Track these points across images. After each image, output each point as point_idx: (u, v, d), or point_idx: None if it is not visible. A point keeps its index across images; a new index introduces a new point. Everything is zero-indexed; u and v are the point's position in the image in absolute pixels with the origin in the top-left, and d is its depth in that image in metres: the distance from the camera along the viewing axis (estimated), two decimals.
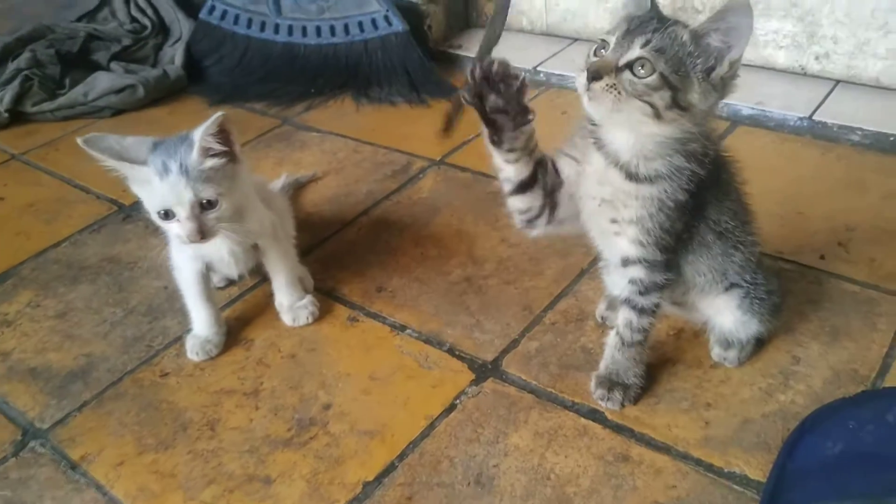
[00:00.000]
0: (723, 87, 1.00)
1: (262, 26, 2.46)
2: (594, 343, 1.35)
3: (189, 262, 1.39)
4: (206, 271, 1.42)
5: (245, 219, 1.33)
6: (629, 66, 0.97)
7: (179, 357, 1.42)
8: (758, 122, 1.94)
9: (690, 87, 0.98)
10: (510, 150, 1.07)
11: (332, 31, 2.37)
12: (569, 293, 1.47)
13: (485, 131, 1.05)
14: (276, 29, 2.45)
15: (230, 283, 1.59)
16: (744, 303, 1.22)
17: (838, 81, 2.00)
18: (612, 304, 1.36)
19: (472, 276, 1.54)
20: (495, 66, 0.98)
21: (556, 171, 1.13)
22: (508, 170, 1.10)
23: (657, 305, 1.18)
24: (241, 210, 1.32)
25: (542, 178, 1.11)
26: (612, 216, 1.11)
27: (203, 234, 1.24)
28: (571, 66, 2.24)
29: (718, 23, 0.96)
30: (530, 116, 1.04)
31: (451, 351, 1.37)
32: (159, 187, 1.22)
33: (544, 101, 2.18)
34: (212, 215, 1.24)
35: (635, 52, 0.97)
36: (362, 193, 1.84)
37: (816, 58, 2.00)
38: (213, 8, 2.51)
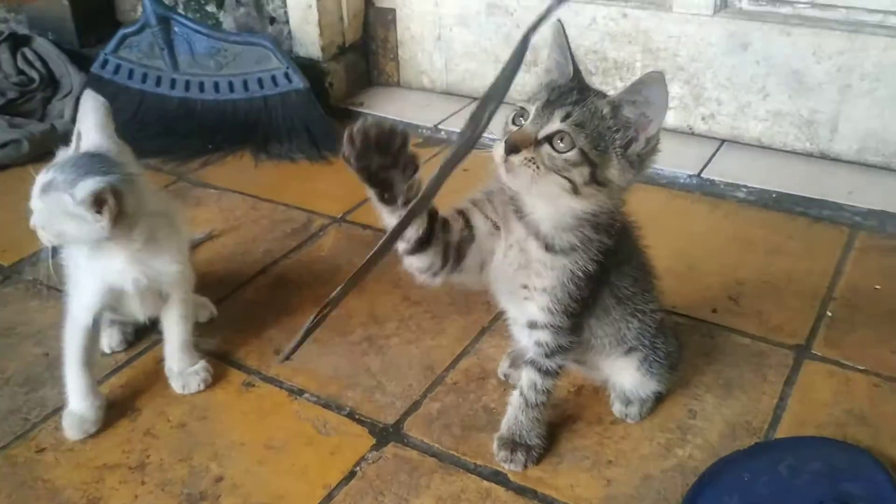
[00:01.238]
0: (640, 163, 1.00)
1: (158, 81, 2.40)
2: (496, 402, 1.34)
3: (91, 297, 1.29)
4: (96, 333, 1.34)
5: (163, 265, 1.28)
6: (549, 139, 0.97)
7: (58, 430, 1.32)
8: (650, 179, 2.00)
9: (609, 164, 0.98)
10: (404, 205, 1.03)
11: (231, 87, 2.33)
12: (470, 352, 1.46)
13: (372, 194, 1.01)
14: (173, 84, 2.39)
15: (127, 345, 1.51)
16: (642, 366, 1.23)
17: (724, 141, 2.09)
18: (515, 362, 1.35)
19: (373, 336, 1.51)
20: (374, 130, 0.95)
21: (468, 223, 1.10)
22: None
23: (561, 367, 1.18)
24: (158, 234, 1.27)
25: (442, 234, 1.07)
26: (525, 282, 1.10)
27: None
28: None
29: (634, 95, 0.97)
30: (418, 163, 1.01)
31: (351, 415, 1.33)
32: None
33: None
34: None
35: (555, 125, 0.97)
36: (260, 252, 1.79)
37: (703, 118, 2.10)
38: (105, 62, 2.43)
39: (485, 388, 1.38)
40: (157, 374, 1.43)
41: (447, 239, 1.08)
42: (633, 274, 1.18)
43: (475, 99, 2.42)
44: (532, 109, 0.99)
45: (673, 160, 2.01)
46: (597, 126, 0.97)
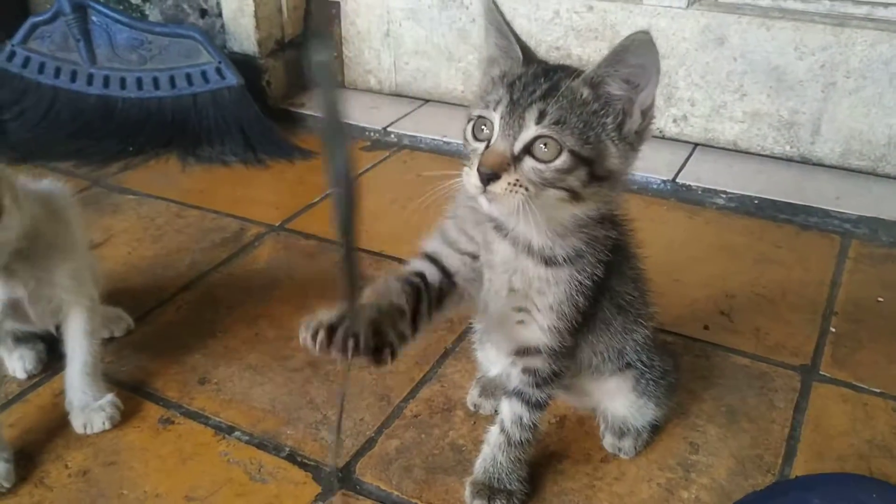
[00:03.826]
0: (639, 140, 0.83)
1: (73, 76, 2.15)
2: (465, 438, 1.13)
3: None
4: None
5: (52, 265, 1.09)
6: (528, 150, 0.79)
7: None
8: None
9: (607, 153, 0.81)
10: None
11: (156, 83, 2.10)
12: (432, 378, 1.25)
13: (368, 361, 0.81)
14: (90, 80, 2.14)
15: (43, 366, 1.29)
16: (639, 385, 1.05)
17: (696, 144, 1.94)
18: (487, 389, 1.15)
19: (317, 362, 1.28)
20: (351, 342, 0.77)
21: (443, 270, 0.91)
22: None
23: (550, 397, 0.99)
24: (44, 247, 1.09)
25: (425, 299, 0.89)
26: (520, 305, 0.91)
27: None
28: (423, 127, 2.08)
29: (618, 66, 0.79)
30: (404, 308, 0.85)
31: (292, 457, 1.11)
32: None
33: (396, 162, 1.99)
34: None
35: (531, 131, 0.79)
36: (184, 265, 1.55)
37: (674, 120, 1.94)
38: (13, 54, 2.17)
39: (451, 420, 1.17)
40: (54, 410, 1.19)
41: (429, 298, 0.90)
42: (633, 276, 1.00)
43: (426, 101, 2.23)
44: (496, 118, 0.81)
45: (643, 164, 1.81)
46: (580, 115, 0.80)
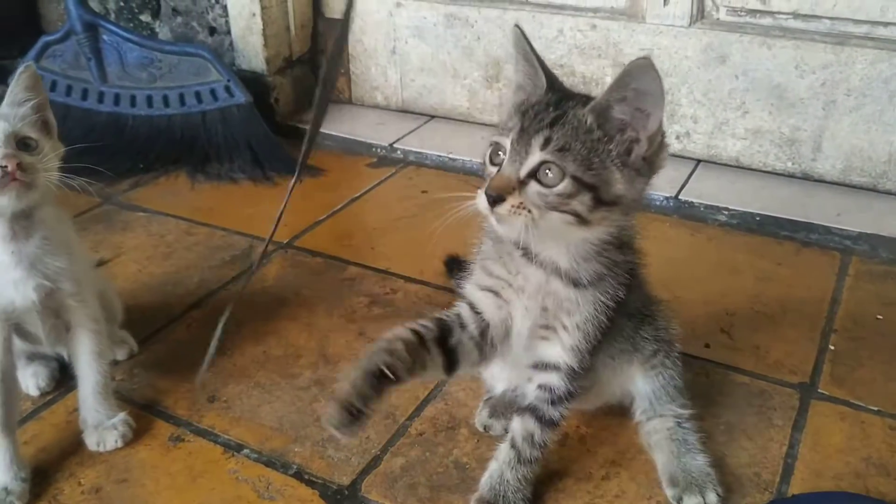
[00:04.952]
0: (649, 167, 0.86)
1: (84, 94, 2.19)
2: (469, 456, 1.15)
3: None
4: (9, 386, 1.13)
5: (55, 248, 1.13)
6: (533, 174, 0.83)
7: None
8: None
9: (612, 180, 0.83)
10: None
11: (166, 101, 2.13)
12: (437, 396, 1.28)
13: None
14: (100, 98, 2.18)
15: (56, 383, 1.31)
16: (654, 357, 1.12)
17: (699, 161, 1.96)
18: (497, 410, 1.18)
19: (324, 379, 1.31)
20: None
21: (478, 313, 0.98)
22: None
23: (564, 417, 1.02)
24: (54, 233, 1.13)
25: (461, 347, 0.98)
26: (547, 323, 0.95)
27: (21, 165, 1.04)
28: (429, 143, 2.11)
29: (622, 91, 0.82)
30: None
31: (299, 475, 1.13)
32: None
33: (402, 179, 2.02)
34: (29, 156, 1.07)
35: (535, 157, 0.83)
36: (194, 282, 1.58)
37: (677, 137, 1.96)
38: None
39: (455, 439, 1.19)
40: (68, 428, 1.22)
41: (464, 346, 0.99)
42: (640, 287, 1.06)
43: (432, 117, 2.26)
44: (508, 143, 0.85)
45: None
46: (585, 142, 0.83)
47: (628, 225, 0.93)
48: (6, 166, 1.03)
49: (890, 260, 1.61)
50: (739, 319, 1.44)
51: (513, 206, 0.83)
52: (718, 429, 1.20)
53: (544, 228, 0.84)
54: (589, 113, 0.84)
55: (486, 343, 0.99)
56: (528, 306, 0.95)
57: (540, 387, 0.99)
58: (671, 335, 1.14)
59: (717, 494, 1.05)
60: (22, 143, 1.08)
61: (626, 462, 1.14)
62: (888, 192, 1.78)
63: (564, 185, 0.82)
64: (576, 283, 0.92)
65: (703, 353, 1.36)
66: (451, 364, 0.97)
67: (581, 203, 0.83)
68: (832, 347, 1.36)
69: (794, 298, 1.50)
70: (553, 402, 0.99)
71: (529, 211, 0.83)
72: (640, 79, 0.81)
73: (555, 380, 0.98)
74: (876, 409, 1.23)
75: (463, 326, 0.98)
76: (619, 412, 1.19)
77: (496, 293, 0.97)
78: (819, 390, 1.27)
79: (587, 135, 0.83)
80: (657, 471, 1.11)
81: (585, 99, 0.87)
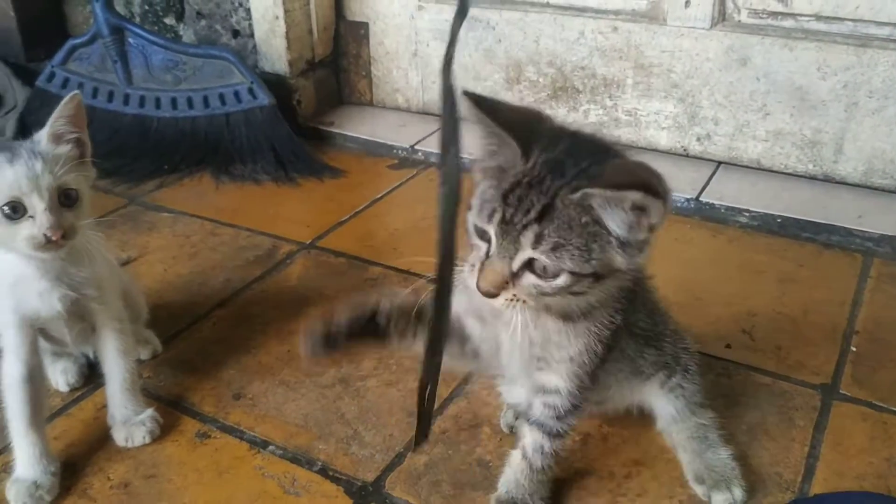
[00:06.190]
0: (647, 243, 0.80)
1: (110, 96, 2.22)
2: (492, 454, 1.16)
3: (13, 338, 1.11)
4: (37, 382, 1.14)
5: (79, 257, 1.10)
6: (528, 264, 0.78)
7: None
8: None
9: (612, 260, 0.79)
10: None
11: (190, 103, 2.16)
12: (460, 394, 1.29)
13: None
14: (126, 100, 2.21)
15: (85, 379, 1.33)
16: (668, 381, 1.11)
17: (720, 163, 1.96)
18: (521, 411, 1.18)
19: (348, 378, 1.33)
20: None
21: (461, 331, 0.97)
22: None
23: (572, 427, 1.02)
24: (78, 241, 1.08)
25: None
26: (540, 355, 0.94)
27: (64, 232, 1.02)
28: None
29: (622, 203, 0.75)
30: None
31: (324, 471, 1.15)
32: (9, 174, 1.00)
33: (423, 181, 2.03)
34: (70, 214, 1.04)
35: (526, 253, 0.77)
36: (219, 282, 1.60)
37: (698, 139, 1.97)
38: (52, 75, 2.24)
39: (478, 437, 1.20)
40: (97, 424, 1.24)
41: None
42: (648, 308, 1.04)
43: None
44: (491, 231, 0.78)
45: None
46: (580, 234, 0.77)
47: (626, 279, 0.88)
48: (51, 237, 1.01)
49: None
50: (761, 320, 1.44)
51: (506, 301, 0.80)
52: (740, 429, 1.20)
53: (542, 305, 0.83)
54: (585, 214, 0.76)
55: (481, 358, 0.98)
56: (516, 339, 0.88)
57: (545, 405, 0.99)
58: (686, 351, 1.12)
59: (742, 489, 1.06)
60: (63, 195, 1.03)
61: (649, 461, 1.15)
62: None
63: (563, 280, 0.78)
64: (565, 318, 0.88)
65: (725, 353, 1.36)
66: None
67: (580, 287, 0.79)
68: (854, 349, 1.36)
69: (815, 300, 1.50)
70: (559, 417, 0.99)
71: (525, 301, 0.80)
72: (647, 209, 0.75)
73: (557, 400, 0.97)
74: None
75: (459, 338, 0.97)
76: (642, 412, 1.20)
77: (482, 319, 0.94)
78: (841, 391, 1.27)
79: (583, 228, 0.76)
80: (680, 470, 1.12)
81: (579, 183, 0.76)
